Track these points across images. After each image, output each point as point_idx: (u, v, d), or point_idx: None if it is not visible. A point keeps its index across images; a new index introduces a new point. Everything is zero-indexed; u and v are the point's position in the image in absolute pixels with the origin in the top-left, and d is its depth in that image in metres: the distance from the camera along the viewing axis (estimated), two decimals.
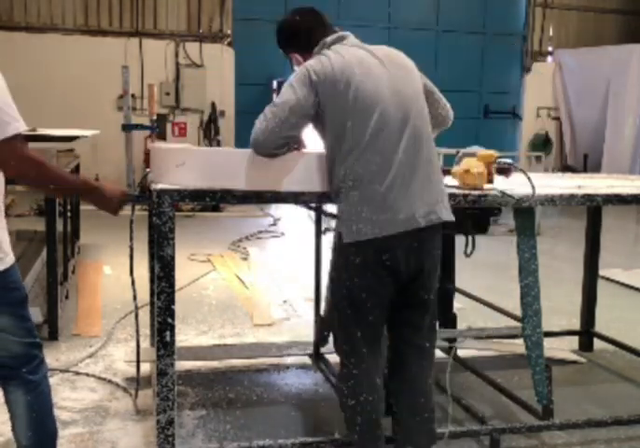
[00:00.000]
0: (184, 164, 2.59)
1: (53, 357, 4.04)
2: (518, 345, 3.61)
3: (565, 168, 13.95)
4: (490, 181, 2.95)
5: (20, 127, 2.17)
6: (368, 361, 2.54)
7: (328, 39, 2.60)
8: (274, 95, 13.28)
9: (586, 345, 4.49)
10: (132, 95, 10.77)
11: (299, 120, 2.49)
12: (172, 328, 2.62)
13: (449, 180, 3.09)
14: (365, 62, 2.51)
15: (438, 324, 2.91)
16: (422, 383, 2.63)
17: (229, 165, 2.63)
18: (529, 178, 2.96)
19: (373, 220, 2.41)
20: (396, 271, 2.47)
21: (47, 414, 2.39)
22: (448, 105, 2.75)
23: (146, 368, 3.64)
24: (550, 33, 14.77)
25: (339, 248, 2.52)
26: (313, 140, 2.68)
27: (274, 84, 13.23)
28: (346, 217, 2.45)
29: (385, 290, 2.50)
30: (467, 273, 4.45)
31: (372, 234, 2.40)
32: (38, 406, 2.35)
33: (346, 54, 2.52)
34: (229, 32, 12.95)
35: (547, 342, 3.35)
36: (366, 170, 2.42)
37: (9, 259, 2.26)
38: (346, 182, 2.46)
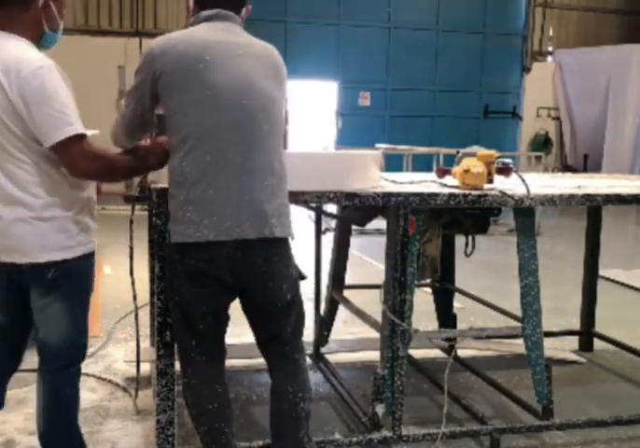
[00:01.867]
0: None
1: None
2: (518, 345, 3.61)
3: (565, 168, 13.98)
4: (490, 181, 2.95)
5: (80, 128, 2.20)
6: (205, 370, 2.44)
7: (204, 13, 2.33)
8: None
9: (586, 345, 4.48)
10: None
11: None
12: (172, 328, 2.61)
13: (449, 180, 3.10)
14: (223, 48, 2.26)
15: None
16: (283, 389, 2.49)
17: None
18: (522, 179, 2.96)
19: (197, 223, 2.22)
20: (222, 280, 2.30)
21: None
22: None
23: (146, 368, 3.64)
24: (550, 33, 14.79)
25: (166, 248, 2.40)
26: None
27: None
28: (173, 216, 2.28)
29: (215, 299, 2.36)
30: (467, 273, 4.45)
31: (196, 238, 2.22)
32: None
33: (207, 35, 2.28)
34: None
35: (547, 342, 3.34)
36: (194, 168, 2.21)
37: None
38: (175, 177, 2.26)
